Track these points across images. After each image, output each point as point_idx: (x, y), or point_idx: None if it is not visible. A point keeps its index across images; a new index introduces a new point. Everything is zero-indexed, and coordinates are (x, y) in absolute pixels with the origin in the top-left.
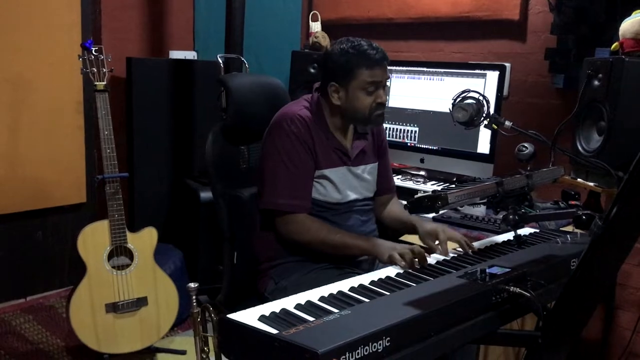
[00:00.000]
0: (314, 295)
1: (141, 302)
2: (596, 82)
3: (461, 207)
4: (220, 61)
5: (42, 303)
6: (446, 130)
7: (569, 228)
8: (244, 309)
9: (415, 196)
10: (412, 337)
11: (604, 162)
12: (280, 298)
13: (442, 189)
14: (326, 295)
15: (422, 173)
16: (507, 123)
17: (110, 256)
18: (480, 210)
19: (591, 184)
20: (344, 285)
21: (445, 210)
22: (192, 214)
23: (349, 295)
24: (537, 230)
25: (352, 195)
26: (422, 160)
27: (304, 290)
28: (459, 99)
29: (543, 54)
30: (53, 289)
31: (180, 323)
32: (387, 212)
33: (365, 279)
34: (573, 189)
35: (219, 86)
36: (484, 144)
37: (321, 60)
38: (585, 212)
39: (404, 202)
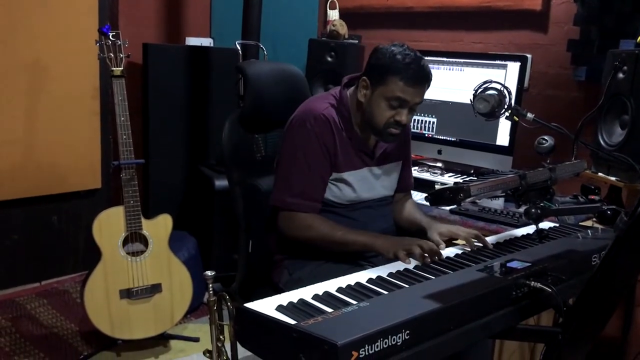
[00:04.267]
0: (331, 286)
1: (155, 288)
2: (621, 75)
3: (479, 200)
4: (239, 48)
5: (56, 287)
6: (465, 121)
7: (588, 223)
8: (259, 298)
9: (437, 187)
10: (432, 330)
11: (627, 156)
12: (296, 289)
13: (463, 181)
14: (344, 286)
15: (439, 165)
16: (529, 115)
17: (125, 242)
18: (498, 203)
19: (613, 178)
20: (361, 277)
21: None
22: (206, 201)
23: (367, 287)
24: (557, 225)
25: (369, 196)
26: (439, 152)
27: (320, 281)
28: (480, 90)
29: (565, 46)
30: (67, 274)
31: (194, 310)
32: (399, 211)
33: (383, 271)
34: (593, 184)
35: (236, 73)
36: (503, 136)
37: (371, 52)
38: (610, 207)
39: (423, 195)
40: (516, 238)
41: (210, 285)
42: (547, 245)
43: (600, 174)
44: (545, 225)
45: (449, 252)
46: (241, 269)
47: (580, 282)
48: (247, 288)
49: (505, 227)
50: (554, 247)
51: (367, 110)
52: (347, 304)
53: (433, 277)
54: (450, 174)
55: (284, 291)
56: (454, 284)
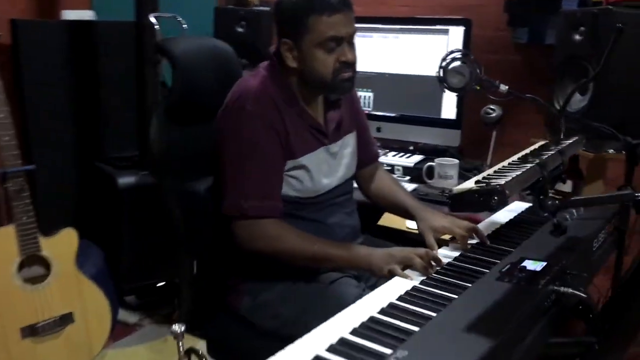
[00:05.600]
0: (339, 328)
1: (66, 319)
2: (577, 37)
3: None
4: (154, 22)
5: None
6: (405, 95)
7: None
8: (216, 329)
9: (456, 190)
10: None
11: (583, 122)
12: (263, 315)
13: (483, 179)
14: (357, 326)
15: (378, 144)
16: (503, 87)
17: (20, 268)
18: (451, 183)
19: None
20: (368, 308)
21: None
22: (109, 203)
23: (389, 324)
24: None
25: (331, 183)
26: (378, 129)
27: (294, 304)
28: (448, 62)
29: (501, 7)
30: None
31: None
32: (375, 188)
33: (387, 294)
34: None
35: (157, 54)
36: (448, 109)
37: (272, 12)
38: None
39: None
40: (502, 227)
41: (181, 343)
42: (542, 234)
43: None
44: (516, 206)
45: (442, 254)
46: (186, 296)
47: (589, 275)
48: (196, 318)
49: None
50: (550, 236)
51: (306, 71)
52: (379, 356)
53: (455, 296)
54: (394, 153)
55: (246, 319)
56: (487, 305)
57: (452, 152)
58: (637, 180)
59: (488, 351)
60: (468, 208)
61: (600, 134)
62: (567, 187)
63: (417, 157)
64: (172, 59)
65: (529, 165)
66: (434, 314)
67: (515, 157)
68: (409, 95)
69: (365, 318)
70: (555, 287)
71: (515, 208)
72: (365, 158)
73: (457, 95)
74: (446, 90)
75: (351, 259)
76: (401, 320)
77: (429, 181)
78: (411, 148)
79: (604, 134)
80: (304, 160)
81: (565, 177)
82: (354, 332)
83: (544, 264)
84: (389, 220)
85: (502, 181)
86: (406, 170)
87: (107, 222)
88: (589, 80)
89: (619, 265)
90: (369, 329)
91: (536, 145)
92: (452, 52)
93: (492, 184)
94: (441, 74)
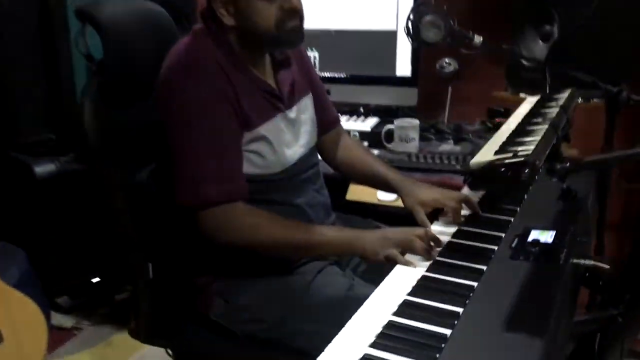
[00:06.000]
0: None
1: None
2: None
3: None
4: None
5: None
6: (355, 53)
7: None
8: (181, 339)
9: (474, 164)
10: None
11: (554, 72)
12: (240, 319)
13: (502, 149)
14: (375, 338)
15: None
16: (477, 38)
17: None
18: (413, 146)
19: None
20: (379, 309)
21: None
22: (26, 196)
23: (414, 329)
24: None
25: (294, 154)
26: (328, 92)
27: (276, 303)
28: (417, 15)
29: None
30: None
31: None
32: (345, 158)
33: (394, 287)
34: (502, 106)
35: (78, 21)
36: (403, 66)
37: None
38: None
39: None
40: (487, 192)
41: None
42: (534, 196)
43: (522, 94)
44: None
45: (436, 231)
46: (144, 304)
47: (589, 241)
48: (158, 327)
49: (451, 175)
50: (544, 199)
51: (247, 27)
52: None
53: (474, 284)
54: (347, 117)
55: (220, 325)
56: (514, 291)
57: (405, 111)
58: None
59: (544, 346)
60: (492, 185)
61: (576, 84)
62: None
63: (373, 120)
64: (99, 26)
65: (540, 127)
66: (459, 309)
67: (515, 119)
68: (358, 53)
69: (381, 324)
70: (576, 261)
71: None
72: (326, 122)
73: (413, 50)
74: (413, 45)
75: (342, 244)
76: (426, 322)
77: (388, 145)
78: (360, 109)
79: (581, 83)
80: (263, 130)
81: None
82: (376, 345)
83: (553, 233)
84: (357, 193)
85: (529, 150)
86: (363, 135)
87: (26, 218)
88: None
89: (602, 225)
90: (391, 338)
91: (527, 103)
92: (418, 3)
93: (520, 154)
94: (411, 28)
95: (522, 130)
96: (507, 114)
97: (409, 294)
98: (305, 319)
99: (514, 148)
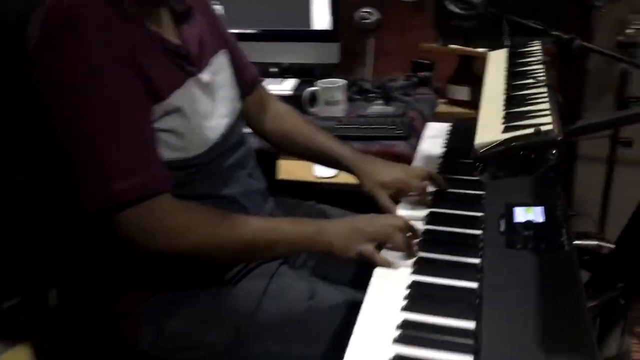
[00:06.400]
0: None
1: None
2: None
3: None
4: None
5: None
6: (264, 5)
7: None
8: None
9: (480, 144)
10: None
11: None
12: (175, 347)
13: (534, 127)
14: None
15: None
16: None
17: None
18: (340, 109)
19: (481, 50)
20: (376, 336)
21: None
22: None
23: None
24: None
25: (217, 128)
26: None
27: (221, 323)
28: None
29: None
30: None
31: None
32: (276, 127)
33: (383, 302)
34: (427, 58)
35: None
36: (321, 18)
37: None
38: None
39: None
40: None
41: None
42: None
43: (452, 45)
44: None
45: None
46: (47, 339)
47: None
48: None
49: (393, 142)
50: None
51: None
52: None
53: (474, 285)
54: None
55: (150, 355)
56: (524, 291)
57: (324, 70)
58: None
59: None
60: (510, 172)
61: (523, 32)
62: (462, 94)
63: (291, 82)
64: None
65: (537, 91)
66: (471, 324)
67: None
68: (269, 5)
69: (387, 357)
70: (580, 242)
71: (436, 133)
72: (246, 82)
73: (330, 1)
74: None
75: (303, 240)
76: (438, 348)
77: (312, 109)
78: (274, 70)
79: (529, 31)
80: (175, 99)
81: None
82: None
83: (541, 209)
84: (288, 171)
85: (549, 123)
86: (282, 99)
87: None
88: None
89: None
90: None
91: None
92: None
93: (542, 130)
94: None
95: (519, 96)
96: (432, 67)
97: (405, 309)
98: (261, 338)
99: (525, 122)
